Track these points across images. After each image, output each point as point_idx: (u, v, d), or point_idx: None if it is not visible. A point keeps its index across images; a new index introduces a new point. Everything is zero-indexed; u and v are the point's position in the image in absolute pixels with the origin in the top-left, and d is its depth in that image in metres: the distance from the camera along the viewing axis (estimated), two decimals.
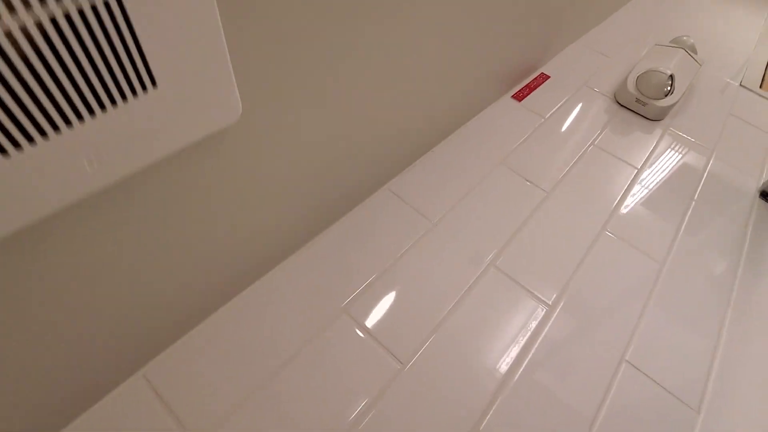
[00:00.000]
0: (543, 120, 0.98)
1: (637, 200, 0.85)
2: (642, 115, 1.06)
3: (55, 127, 0.27)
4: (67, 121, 0.27)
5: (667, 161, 0.95)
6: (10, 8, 0.21)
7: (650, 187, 0.88)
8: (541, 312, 0.65)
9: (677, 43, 1.19)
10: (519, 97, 1.04)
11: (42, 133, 0.26)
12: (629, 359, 0.62)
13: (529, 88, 1.07)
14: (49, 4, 0.22)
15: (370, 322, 0.61)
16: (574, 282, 0.70)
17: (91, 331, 0.44)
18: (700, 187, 0.90)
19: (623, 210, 0.83)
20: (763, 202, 0.90)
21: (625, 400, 0.58)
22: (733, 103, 1.13)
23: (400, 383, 0.56)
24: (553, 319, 0.65)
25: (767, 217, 0.87)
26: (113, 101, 0.29)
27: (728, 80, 1.21)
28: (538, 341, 0.62)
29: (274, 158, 0.51)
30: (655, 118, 1.05)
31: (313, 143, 0.55)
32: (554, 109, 1.02)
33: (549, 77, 1.11)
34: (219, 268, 0.55)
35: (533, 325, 0.64)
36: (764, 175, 0.95)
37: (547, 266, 0.71)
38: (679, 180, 0.91)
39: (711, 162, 0.96)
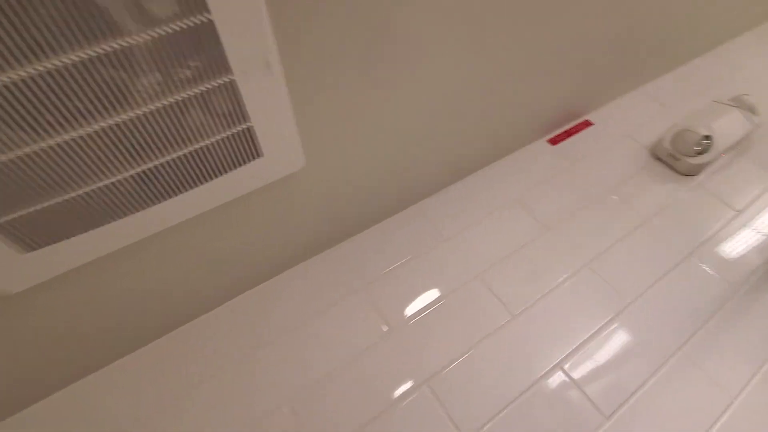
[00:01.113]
0: (568, 166, 1.13)
1: (625, 246, 0.97)
2: (675, 170, 1.14)
3: (212, 177, 0.58)
4: (221, 173, 0.58)
5: (682, 214, 1.04)
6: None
7: (654, 232, 0.99)
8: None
9: (736, 101, 1.22)
10: (554, 141, 1.19)
11: (206, 180, 0.58)
12: (567, 368, 0.79)
13: (568, 134, 1.21)
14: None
15: None
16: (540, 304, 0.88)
17: None
18: (703, 241, 0.98)
19: (608, 254, 0.96)
20: None
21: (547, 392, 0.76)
22: None
23: None
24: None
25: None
26: (242, 164, 0.59)
27: None
28: None
29: (321, 191, 0.79)
30: (686, 173, 1.12)
31: (345, 182, 0.82)
32: (583, 156, 1.16)
33: (592, 124, 1.24)
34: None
35: None
36: None
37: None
38: (685, 232, 1.00)
39: (732, 221, 1.02)
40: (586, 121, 1.25)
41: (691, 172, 1.12)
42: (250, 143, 0.58)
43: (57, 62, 0.38)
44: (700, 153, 1.09)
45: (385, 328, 0.85)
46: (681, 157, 1.11)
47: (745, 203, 1.06)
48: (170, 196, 0.57)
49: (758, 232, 1.00)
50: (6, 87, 0.37)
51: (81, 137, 0.44)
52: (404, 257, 0.95)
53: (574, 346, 0.82)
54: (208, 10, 0.42)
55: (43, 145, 0.42)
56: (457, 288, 0.90)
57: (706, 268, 0.94)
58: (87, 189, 0.49)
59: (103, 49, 0.39)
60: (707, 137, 1.08)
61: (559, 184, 1.09)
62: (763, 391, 0.76)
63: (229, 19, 0.44)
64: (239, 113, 0.54)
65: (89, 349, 0.74)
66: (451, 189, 1.08)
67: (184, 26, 0.42)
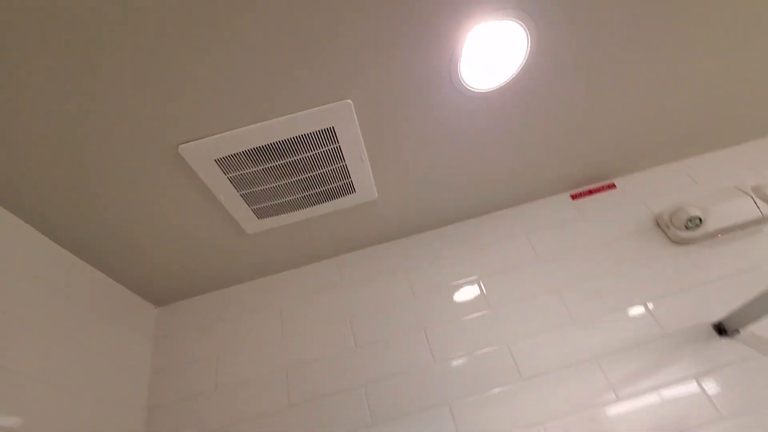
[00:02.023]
0: (576, 215, 1.53)
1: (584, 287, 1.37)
2: (668, 237, 1.44)
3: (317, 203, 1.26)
4: (339, 197, 1.26)
5: (658, 273, 1.37)
6: None
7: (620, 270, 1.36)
8: None
9: (756, 190, 1.41)
10: (575, 196, 1.58)
11: (333, 199, 1.26)
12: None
13: (590, 192, 1.58)
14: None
15: None
16: None
17: None
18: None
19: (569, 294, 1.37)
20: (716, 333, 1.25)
21: None
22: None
23: None
24: None
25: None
26: (343, 195, 1.26)
27: None
28: None
29: (389, 208, 1.41)
30: (676, 242, 1.42)
31: (396, 209, 1.42)
32: (595, 214, 1.53)
33: (615, 187, 1.58)
34: None
35: None
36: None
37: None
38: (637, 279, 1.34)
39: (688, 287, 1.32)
40: (612, 183, 1.59)
41: (680, 242, 1.42)
42: (351, 188, 1.24)
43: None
44: (688, 228, 1.38)
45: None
46: (673, 229, 1.41)
47: (710, 279, 1.33)
48: (322, 203, 1.27)
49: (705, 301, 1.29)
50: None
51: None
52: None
53: None
54: (338, 140, 1.07)
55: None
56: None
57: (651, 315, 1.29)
58: (290, 198, 1.21)
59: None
60: (696, 218, 1.37)
61: (564, 231, 1.51)
62: None
63: (346, 142, 1.09)
64: (348, 174, 1.19)
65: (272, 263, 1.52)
66: (480, 219, 1.59)
67: (328, 149, 1.08)
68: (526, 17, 0.94)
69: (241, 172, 1.09)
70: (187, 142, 0.99)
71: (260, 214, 1.25)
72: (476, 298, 1.41)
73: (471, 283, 1.45)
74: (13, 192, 0.98)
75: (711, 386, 1.15)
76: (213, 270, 1.45)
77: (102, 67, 0.81)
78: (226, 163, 1.05)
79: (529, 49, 0.99)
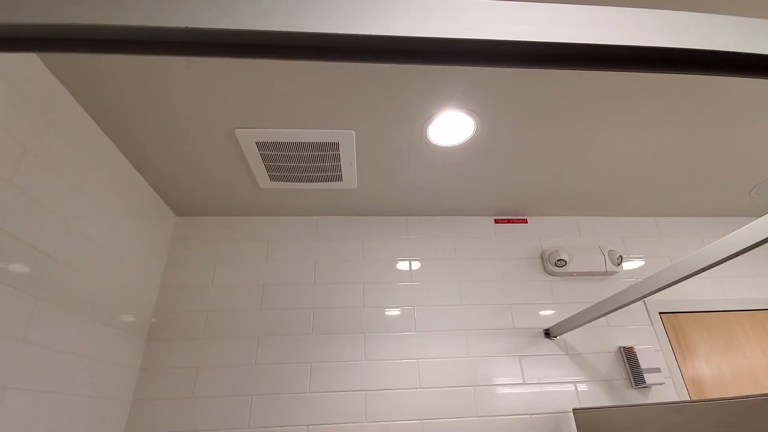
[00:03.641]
0: (493, 235, 2.13)
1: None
2: (543, 268, 2.07)
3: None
4: (330, 181, 1.80)
5: (532, 291, 2.01)
6: None
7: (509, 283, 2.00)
8: None
9: (610, 253, 2.05)
10: (498, 221, 2.18)
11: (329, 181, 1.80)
12: None
13: (509, 221, 2.18)
14: None
15: None
16: None
17: None
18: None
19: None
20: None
21: None
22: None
23: None
24: None
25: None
26: (333, 181, 1.80)
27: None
28: None
29: (363, 196, 1.96)
30: (547, 272, 2.06)
31: (368, 198, 1.98)
32: (507, 237, 2.14)
33: (527, 222, 2.19)
34: None
35: None
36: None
37: None
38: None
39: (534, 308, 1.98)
40: (525, 219, 2.20)
41: (550, 273, 2.06)
42: (340, 178, 1.78)
43: None
44: (557, 266, 2.02)
45: None
46: (547, 263, 2.05)
47: (557, 301, 1.99)
48: (317, 182, 1.80)
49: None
50: None
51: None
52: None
53: None
54: (339, 149, 1.60)
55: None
56: None
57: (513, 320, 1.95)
58: (296, 174, 1.74)
59: None
60: (563, 260, 2.00)
61: (479, 242, 2.12)
62: None
63: (344, 152, 1.61)
64: (340, 170, 1.73)
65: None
66: (425, 218, 2.17)
67: (329, 153, 1.61)
68: (474, 114, 1.46)
69: (269, 153, 1.60)
70: (242, 128, 1.49)
71: (273, 178, 1.77)
72: (405, 272, 2.02)
73: (405, 261, 2.05)
74: (92, 91, 1.47)
75: (526, 364, 1.83)
76: (227, 202, 1.98)
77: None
78: (262, 145, 1.56)
79: (475, 128, 1.53)
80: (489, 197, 2.03)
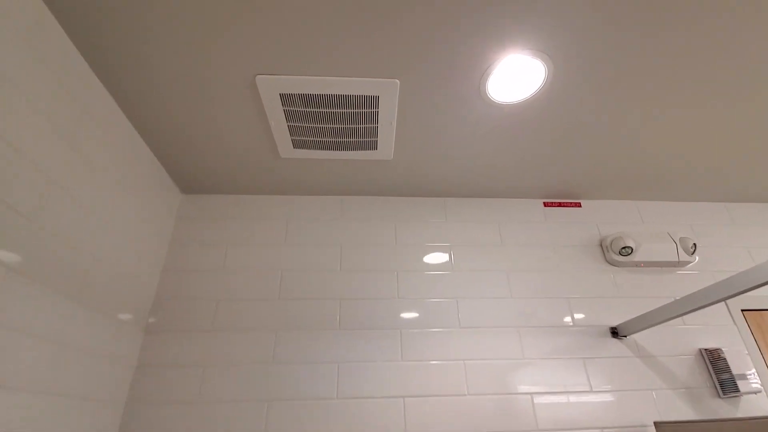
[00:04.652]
0: (542, 220, 1.86)
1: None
2: (604, 257, 1.79)
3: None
4: (366, 149, 1.54)
5: (582, 281, 1.73)
6: None
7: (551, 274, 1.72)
8: None
9: (682, 240, 1.77)
10: (547, 204, 1.91)
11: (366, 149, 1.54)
12: None
13: (559, 204, 1.91)
14: None
15: None
16: None
17: None
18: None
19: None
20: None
21: None
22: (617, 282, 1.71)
23: None
24: None
25: None
26: (366, 149, 1.54)
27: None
28: None
29: (397, 171, 1.70)
30: (609, 262, 1.78)
31: (405, 168, 1.71)
32: (558, 222, 1.86)
33: (580, 206, 1.91)
34: None
35: None
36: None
37: None
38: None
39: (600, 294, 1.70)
40: (578, 202, 1.92)
41: (612, 263, 1.78)
42: (375, 146, 1.52)
43: None
44: (621, 254, 1.74)
45: None
46: (610, 252, 1.77)
47: (621, 295, 1.71)
48: (347, 150, 1.54)
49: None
50: None
51: None
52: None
53: None
54: (378, 106, 1.34)
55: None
56: None
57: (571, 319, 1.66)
58: (324, 139, 1.48)
59: None
60: (629, 247, 1.72)
61: (526, 227, 1.85)
62: None
63: (384, 110, 1.35)
64: (376, 134, 1.47)
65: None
66: (465, 200, 1.91)
67: (368, 111, 1.35)
68: (545, 57, 1.20)
69: (295, 109, 1.35)
70: (265, 74, 1.23)
71: (296, 144, 1.52)
72: (444, 260, 1.75)
73: (444, 246, 1.78)
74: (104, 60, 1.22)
75: (592, 369, 1.54)
76: (242, 176, 1.72)
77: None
78: (286, 98, 1.31)
79: (545, 76, 1.26)
80: (538, 176, 1.76)
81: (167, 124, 1.42)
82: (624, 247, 1.72)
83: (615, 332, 1.62)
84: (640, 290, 1.73)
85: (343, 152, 1.56)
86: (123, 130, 1.37)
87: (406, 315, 1.61)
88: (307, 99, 1.31)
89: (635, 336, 1.62)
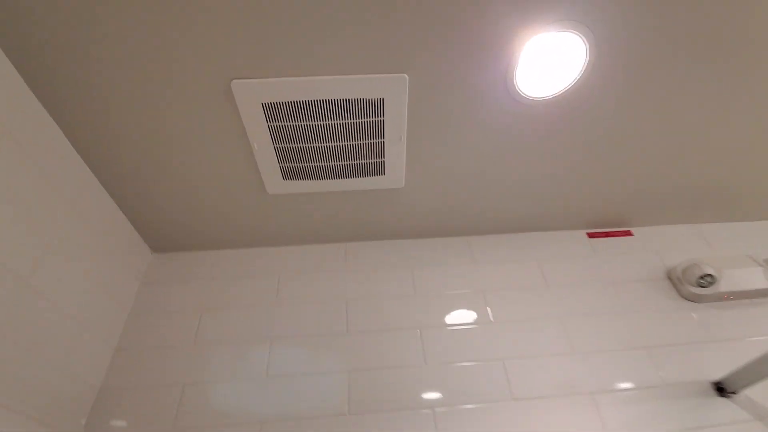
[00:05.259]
0: (590, 253, 1.52)
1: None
2: (678, 292, 1.43)
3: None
4: (369, 176, 1.25)
5: (661, 325, 1.35)
6: None
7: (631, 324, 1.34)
8: None
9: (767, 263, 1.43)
10: (592, 235, 1.58)
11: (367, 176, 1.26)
12: None
13: (606, 234, 1.59)
14: None
15: None
16: None
17: None
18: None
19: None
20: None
21: None
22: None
23: None
24: None
25: None
26: (377, 175, 1.26)
27: None
28: None
29: (411, 202, 1.41)
30: (686, 297, 1.41)
31: (420, 201, 1.42)
32: (610, 255, 1.53)
33: (631, 234, 1.59)
34: None
35: None
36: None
37: None
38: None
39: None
40: (628, 230, 1.60)
41: (689, 298, 1.41)
42: (382, 170, 1.24)
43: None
44: (702, 286, 1.38)
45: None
46: (685, 284, 1.41)
47: (714, 339, 1.32)
48: (349, 178, 1.26)
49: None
50: None
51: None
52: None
53: None
54: (384, 114, 1.08)
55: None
56: None
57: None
58: (320, 164, 1.20)
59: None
60: (710, 276, 1.36)
61: (576, 265, 1.50)
62: None
63: (391, 118, 1.09)
64: (383, 154, 1.19)
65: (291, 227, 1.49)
66: (494, 237, 1.59)
67: (372, 121, 1.09)
68: (586, 30, 0.97)
69: (283, 124, 1.09)
70: (242, 78, 0.99)
71: (286, 174, 1.24)
72: (478, 311, 1.37)
73: (476, 294, 1.42)
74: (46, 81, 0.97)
75: None
76: (221, 226, 1.41)
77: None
78: (271, 110, 1.05)
79: (586, 62, 1.03)
80: (579, 201, 1.47)
81: (123, 169, 1.15)
82: (703, 276, 1.36)
83: (721, 388, 1.21)
84: (735, 329, 1.34)
85: (343, 180, 1.28)
86: (71, 161, 1.10)
87: (438, 387, 1.20)
88: (296, 108, 1.06)
89: (748, 391, 1.20)
